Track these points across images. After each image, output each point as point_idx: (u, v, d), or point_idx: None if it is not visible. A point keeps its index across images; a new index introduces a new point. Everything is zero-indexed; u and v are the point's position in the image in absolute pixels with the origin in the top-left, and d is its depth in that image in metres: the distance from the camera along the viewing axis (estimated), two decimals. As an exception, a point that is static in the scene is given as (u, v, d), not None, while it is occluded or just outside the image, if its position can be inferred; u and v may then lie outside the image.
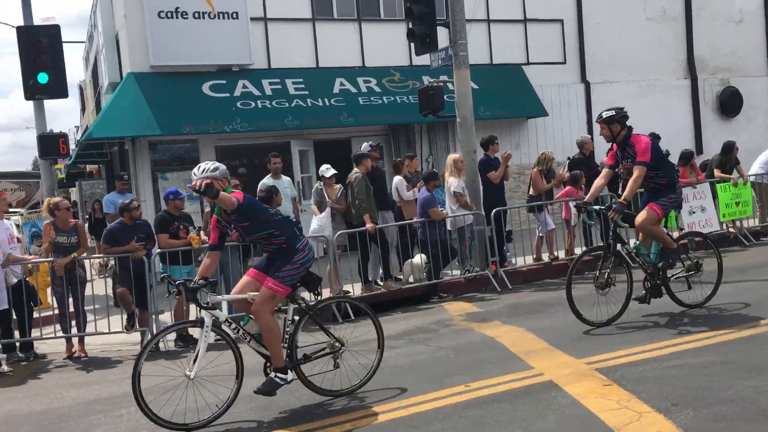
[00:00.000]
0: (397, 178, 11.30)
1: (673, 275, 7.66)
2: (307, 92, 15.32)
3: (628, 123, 7.45)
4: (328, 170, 10.50)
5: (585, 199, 7.77)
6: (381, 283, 10.52)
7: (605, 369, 5.84)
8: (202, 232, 9.14)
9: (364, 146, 11.10)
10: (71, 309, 8.82)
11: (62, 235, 8.69)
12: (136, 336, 8.98)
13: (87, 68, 25.67)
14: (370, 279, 10.43)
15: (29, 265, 9.07)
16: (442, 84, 11.82)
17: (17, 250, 8.89)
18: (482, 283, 10.61)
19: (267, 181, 10.67)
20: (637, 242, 7.65)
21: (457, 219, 10.70)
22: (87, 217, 14.91)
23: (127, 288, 8.66)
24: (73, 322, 8.82)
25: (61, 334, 8.79)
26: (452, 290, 10.57)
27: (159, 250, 9.02)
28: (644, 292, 7.48)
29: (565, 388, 5.52)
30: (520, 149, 17.20)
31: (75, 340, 8.79)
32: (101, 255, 10.91)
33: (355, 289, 10.21)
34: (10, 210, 10.99)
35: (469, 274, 10.77)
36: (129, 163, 14.89)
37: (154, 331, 8.74)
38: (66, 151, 12.03)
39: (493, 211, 10.62)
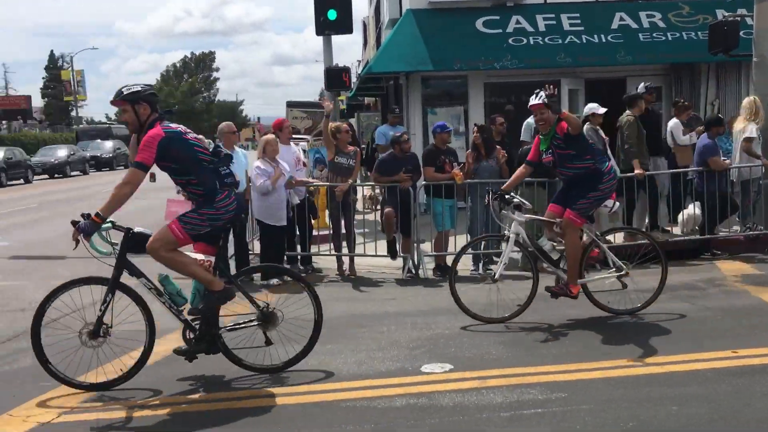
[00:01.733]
0: (673, 121, 10.46)
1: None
2: (582, 28, 14.63)
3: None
4: (597, 108, 10.01)
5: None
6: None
7: None
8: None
9: (640, 87, 10.39)
10: (343, 230, 9.65)
11: (342, 157, 9.48)
12: (399, 262, 9.55)
13: (371, 5, 27.06)
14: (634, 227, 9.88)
15: (311, 187, 10.05)
16: (738, 19, 10.54)
17: (303, 173, 9.86)
18: (765, 244, 9.53)
19: (532, 120, 10.49)
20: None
21: (743, 170, 9.65)
22: (363, 147, 15.95)
23: (393, 209, 9.19)
24: (344, 243, 9.65)
25: (334, 252, 9.69)
26: (728, 248, 9.65)
27: (424, 182, 9.43)
28: None
29: None
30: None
31: (346, 260, 9.63)
32: (371, 183, 11.68)
33: (617, 238, 9.76)
34: (297, 136, 12.16)
35: (751, 233, 9.73)
36: (402, 97, 15.58)
37: (415, 259, 9.25)
38: (348, 83, 12.91)
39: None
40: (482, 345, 5.95)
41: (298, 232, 9.71)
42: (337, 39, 12.44)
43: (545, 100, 6.37)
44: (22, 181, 32.18)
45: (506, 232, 6.69)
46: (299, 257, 9.82)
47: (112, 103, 5.32)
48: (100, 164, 42.37)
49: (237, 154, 9.39)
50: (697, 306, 6.87)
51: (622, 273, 6.60)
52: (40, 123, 79.02)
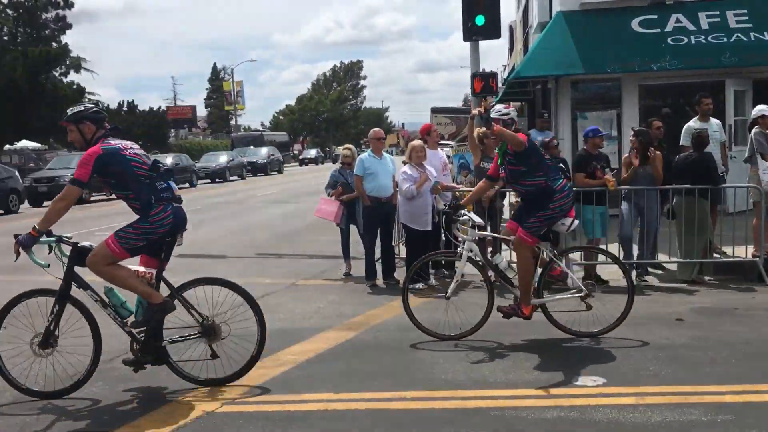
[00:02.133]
0: None
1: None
2: (750, 25, 13.59)
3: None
4: (767, 110, 9.27)
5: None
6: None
7: None
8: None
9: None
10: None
11: (488, 162, 9.39)
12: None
13: (518, 9, 26.70)
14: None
15: (456, 193, 10.03)
16: None
17: (449, 178, 9.88)
18: None
19: (693, 124, 9.91)
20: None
21: None
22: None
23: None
24: (490, 249, 9.55)
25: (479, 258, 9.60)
26: None
27: (574, 188, 9.12)
28: None
29: None
30: None
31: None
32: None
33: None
34: (442, 142, 12.25)
35: None
36: (550, 101, 15.21)
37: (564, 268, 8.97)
38: (495, 89, 12.80)
39: None
40: (638, 360, 5.67)
41: (444, 238, 9.73)
42: (482, 44, 12.34)
43: (498, 113, 6.43)
44: (187, 185, 34.66)
45: (459, 249, 6.48)
46: (443, 262, 9.83)
47: (61, 123, 5.56)
48: (256, 170, 44.84)
49: (385, 160, 9.59)
50: None
51: (582, 294, 6.22)
52: (203, 131, 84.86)
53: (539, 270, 6.37)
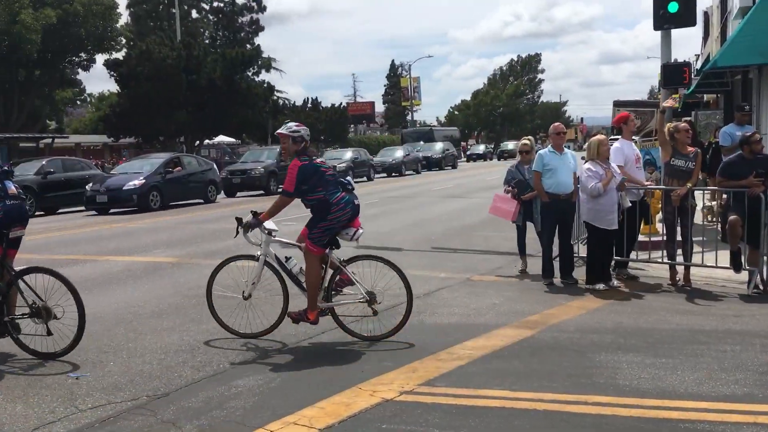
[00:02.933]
0: None
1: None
2: None
3: None
4: None
5: None
6: None
7: None
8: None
9: None
10: (679, 237, 8.96)
11: (679, 158, 8.82)
12: (743, 275, 8.58)
13: (715, -6, 24.77)
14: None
15: (642, 190, 9.51)
16: None
17: (641, 172, 9.39)
18: None
19: None
20: None
21: None
22: (705, 146, 14.62)
23: (740, 217, 8.29)
24: (680, 251, 8.96)
25: (667, 260, 9.05)
26: None
27: (780, 186, 8.31)
28: None
29: None
30: None
31: (680, 268, 8.93)
32: (713, 188, 10.67)
33: None
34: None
35: None
36: (752, 93, 13.96)
37: (764, 273, 8.24)
38: (688, 80, 11.99)
39: None
40: None
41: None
42: (674, 33, 11.60)
43: (288, 129, 6.61)
44: (365, 178, 35.85)
45: (257, 252, 6.73)
46: (615, 262, 9.36)
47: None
48: (431, 164, 45.43)
49: (566, 155, 9.30)
50: None
51: (367, 299, 6.49)
52: (381, 126, 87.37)
53: (330, 273, 6.67)
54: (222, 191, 26.95)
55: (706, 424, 4.38)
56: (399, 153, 41.96)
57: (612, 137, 11.02)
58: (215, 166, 27.31)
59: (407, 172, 40.79)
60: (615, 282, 8.76)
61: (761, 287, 8.23)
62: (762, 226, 8.30)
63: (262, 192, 27.63)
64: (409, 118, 78.63)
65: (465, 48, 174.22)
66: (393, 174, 39.80)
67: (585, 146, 10.36)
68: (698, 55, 37.91)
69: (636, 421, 4.49)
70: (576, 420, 4.55)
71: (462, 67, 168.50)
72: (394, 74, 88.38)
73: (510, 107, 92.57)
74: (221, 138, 49.16)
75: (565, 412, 4.69)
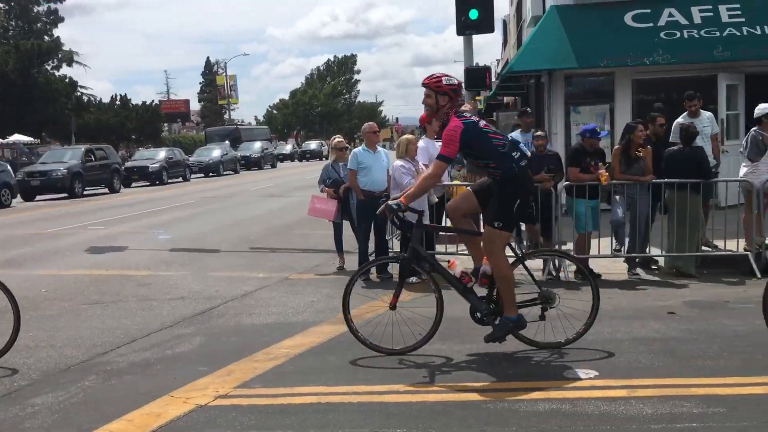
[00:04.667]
0: None
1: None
2: (743, 19, 13.61)
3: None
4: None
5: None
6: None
7: None
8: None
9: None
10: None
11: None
12: (537, 262, 9.30)
13: (512, 3, 26.72)
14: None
15: (449, 189, 10.03)
16: None
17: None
18: None
19: (682, 120, 9.96)
20: None
21: None
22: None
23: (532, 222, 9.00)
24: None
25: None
26: None
27: (567, 182, 9.15)
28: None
29: None
30: None
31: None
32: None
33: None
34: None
35: None
36: (544, 95, 15.22)
37: (556, 262, 9.02)
38: (489, 83, 12.82)
39: None
40: (630, 353, 5.69)
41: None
42: (476, 38, 12.34)
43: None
44: (180, 179, 34.55)
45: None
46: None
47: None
48: (250, 164, 44.71)
49: (379, 154, 9.58)
50: None
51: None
52: (197, 125, 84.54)
53: None
54: (18, 195, 24.76)
55: (506, 403, 4.71)
56: (216, 152, 40.90)
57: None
58: (9, 167, 25.02)
59: (225, 172, 39.90)
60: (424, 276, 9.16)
61: (554, 273, 9.00)
62: (553, 219, 9.09)
63: (65, 195, 25.74)
64: (226, 116, 76.89)
65: (283, 46, 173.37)
66: (210, 174, 38.75)
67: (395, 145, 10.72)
68: (499, 60, 40.63)
69: (444, 405, 4.73)
70: (389, 409, 4.70)
71: (280, 66, 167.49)
72: (210, 72, 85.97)
73: (328, 107, 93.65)
74: (17, 137, 45.08)
75: (379, 402, 4.83)
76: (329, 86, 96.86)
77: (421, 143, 9.70)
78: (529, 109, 14.25)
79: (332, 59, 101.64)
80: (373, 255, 9.44)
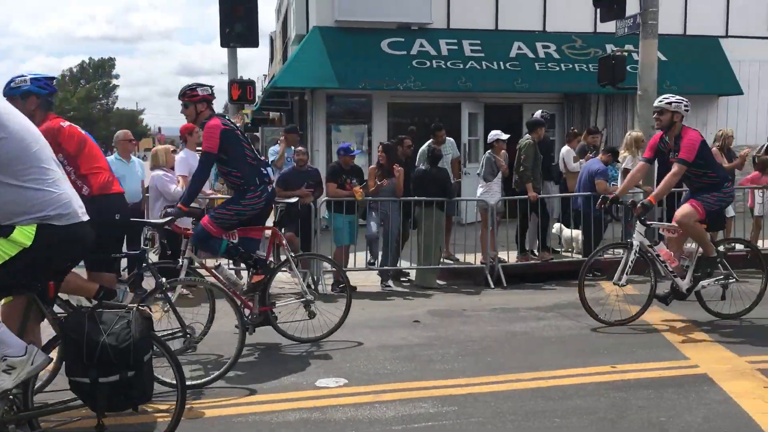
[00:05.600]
0: (565, 149, 10.99)
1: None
2: (482, 54, 15.15)
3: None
4: (501, 134, 10.32)
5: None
6: (537, 254, 10.38)
7: (769, 371, 5.44)
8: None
9: (537, 113, 10.89)
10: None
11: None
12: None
13: (278, 20, 27.01)
14: (527, 248, 10.32)
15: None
16: (625, 54, 11.26)
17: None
18: (646, 266, 10.12)
19: (426, 148, 10.80)
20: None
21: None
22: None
23: (293, 232, 9.17)
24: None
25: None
26: (611, 270, 10.17)
27: (326, 198, 9.46)
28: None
29: (720, 384, 5.23)
30: (706, 128, 15.95)
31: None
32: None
33: (510, 257, 10.15)
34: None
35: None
36: (307, 113, 15.60)
37: (315, 273, 9.26)
38: (253, 97, 12.78)
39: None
40: (377, 360, 6.02)
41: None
42: (244, 53, 12.32)
43: None
44: None
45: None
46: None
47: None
48: None
49: (133, 164, 9.14)
50: (581, 324, 7.21)
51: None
52: None
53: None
54: None
55: (257, 416, 4.74)
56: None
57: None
58: None
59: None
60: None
61: (312, 286, 9.22)
62: (312, 233, 9.34)
63: None
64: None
65: (32, 43, 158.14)
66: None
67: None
68: (266, 75, 40.78)
69: (197, 423, 4.64)
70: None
71: (28, 64, 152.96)
72: (-63, 64, 75.76)
73: (82, 111, 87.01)
74: None
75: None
76: (83, 90, 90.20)
77: (181, 154, 9.42)
78: (297, 127, 14.51)
79: (87, 61, 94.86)
80: (126, 270, 8.94)
